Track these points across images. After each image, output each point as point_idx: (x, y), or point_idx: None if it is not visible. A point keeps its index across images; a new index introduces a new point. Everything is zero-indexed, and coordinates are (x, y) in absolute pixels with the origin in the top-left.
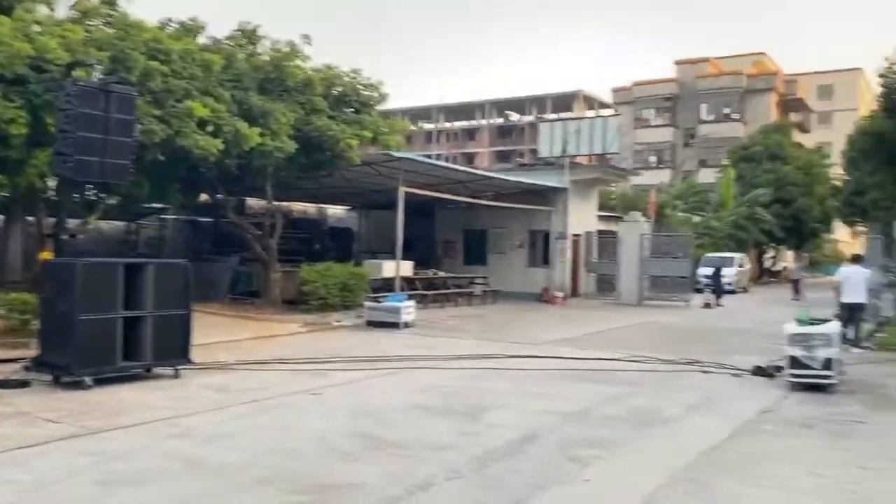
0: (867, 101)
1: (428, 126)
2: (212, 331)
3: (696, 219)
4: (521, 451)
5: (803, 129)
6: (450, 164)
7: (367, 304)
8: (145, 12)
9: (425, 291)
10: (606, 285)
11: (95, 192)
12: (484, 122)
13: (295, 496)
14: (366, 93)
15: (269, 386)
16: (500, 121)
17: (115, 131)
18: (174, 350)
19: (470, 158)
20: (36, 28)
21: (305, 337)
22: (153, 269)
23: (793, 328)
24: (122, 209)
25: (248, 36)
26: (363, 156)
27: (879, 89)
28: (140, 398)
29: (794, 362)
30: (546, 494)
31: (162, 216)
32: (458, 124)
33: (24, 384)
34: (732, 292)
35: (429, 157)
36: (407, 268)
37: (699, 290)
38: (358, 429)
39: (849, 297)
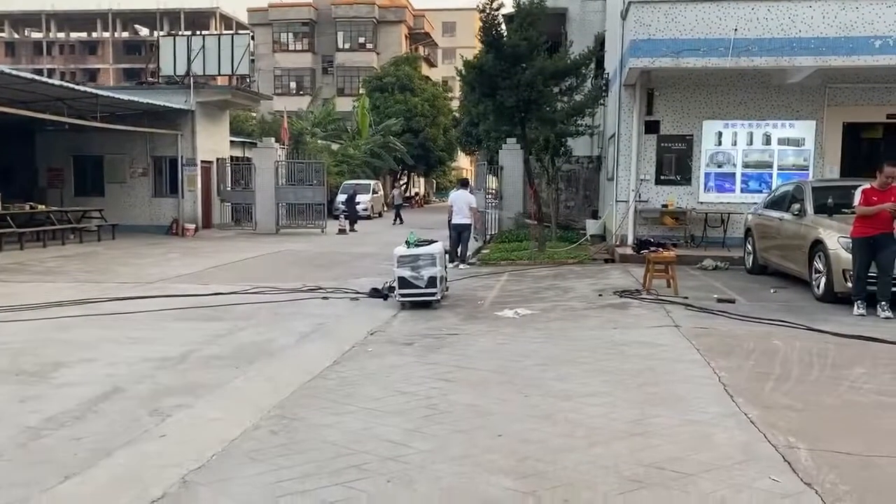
0: None
1: (36, 35)
2: None
3: (335, 146)
4: (92, 412)
5: (430, 63)
6: (41, 78)
7: None
8: None
9: (21, 229)
10: (242, 215)
11: None
12: (107, 35)
13: None
14: None
15: None
16: (127, 35)
17: None
18: None
19: (92, 76)
20: None
21: None
22: None
23: (401, 250)
24: None
25: None
26: None
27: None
28: None
29: (403, 282)
30: (106, 461)
31: None
32: (74, 35)
33: None
34: (368, 217)
35: (38, 72)
36: None
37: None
38: None
39: (456, 219)
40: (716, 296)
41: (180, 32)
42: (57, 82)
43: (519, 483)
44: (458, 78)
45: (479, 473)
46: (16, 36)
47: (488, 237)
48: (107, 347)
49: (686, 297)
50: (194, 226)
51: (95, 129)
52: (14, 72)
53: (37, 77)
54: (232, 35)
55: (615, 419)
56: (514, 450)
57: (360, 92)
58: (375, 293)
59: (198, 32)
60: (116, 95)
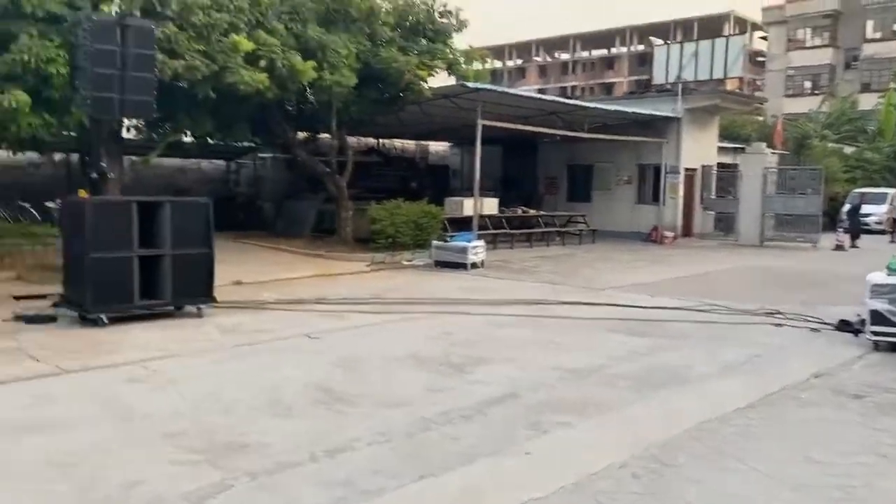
0: None
1: (564, 56)
2: (276, 268)
3: (849, 150)
4: (481, 413)
5: None
6: (535, 95)
7: (435, 243)
8: None
9: (513, 231)
10: (725, 224)
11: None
12: (623, 49)
13: (187, 454)
14: (442, 21)
15: (277, 327)
16: (641, 48)
17: (133, 66)
18: (196, 289)
19: (608, 89)
20: None
21: (365, 276)
22: (170, 207)
23: (877, 277)
24: (205, 148)
25: None
26: (437, 89)
27: None
28: (146, 337)
29: (876, 317)
30: (464, 469)
31: (260, 155)
32: (595, 53)
33: (51, 319)
34: (881, 233)
35: (563, 90)
36: (490, 205)
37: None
38: (323, 380)
39: None
40: None
41: (674, 41)
42: (549, 97)
43: None
44: None
45: None
46: (548, 59)
47: None
48: (528, 350)
49: None
50: (673, 234)
51: (586, 140)
52: (512, 91)
53: (532, 94)
54: (727, 37)
55: None
56: None
57: (890, 86)
58: (844, 326)
59: (691, 39)
60: (602, 106)
